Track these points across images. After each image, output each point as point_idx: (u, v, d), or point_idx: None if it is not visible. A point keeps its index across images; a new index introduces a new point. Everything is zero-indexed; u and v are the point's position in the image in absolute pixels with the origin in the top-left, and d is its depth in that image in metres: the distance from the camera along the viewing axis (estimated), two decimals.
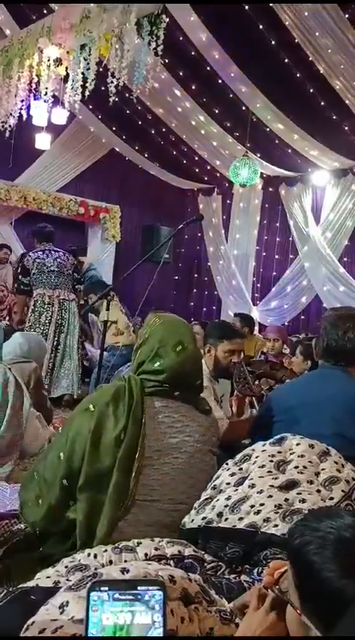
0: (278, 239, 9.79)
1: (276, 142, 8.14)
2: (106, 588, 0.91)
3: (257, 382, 4.05)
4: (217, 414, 2.88)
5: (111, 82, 5.33)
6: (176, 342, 2.03)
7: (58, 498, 1.94)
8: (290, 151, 8.30)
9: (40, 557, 1.92)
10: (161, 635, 0.90)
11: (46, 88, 5.74)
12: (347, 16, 5.69)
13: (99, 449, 1.88)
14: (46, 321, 5.66)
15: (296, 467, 1.72)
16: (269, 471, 1.73)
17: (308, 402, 2.23)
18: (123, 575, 1.25)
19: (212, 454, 2.07)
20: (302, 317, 9.41)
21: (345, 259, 8.90)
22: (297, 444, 1.82)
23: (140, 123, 8.73)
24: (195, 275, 11.17)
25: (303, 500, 1.61)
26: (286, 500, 1.62)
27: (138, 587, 0.91)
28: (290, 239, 9.57)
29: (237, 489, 1.73)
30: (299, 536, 0.98)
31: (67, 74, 5.70)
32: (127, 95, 6.11)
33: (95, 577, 1.26)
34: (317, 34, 6.00)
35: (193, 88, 7.69)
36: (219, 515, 1.68)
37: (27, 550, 2.01)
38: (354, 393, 2.19)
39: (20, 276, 5.94)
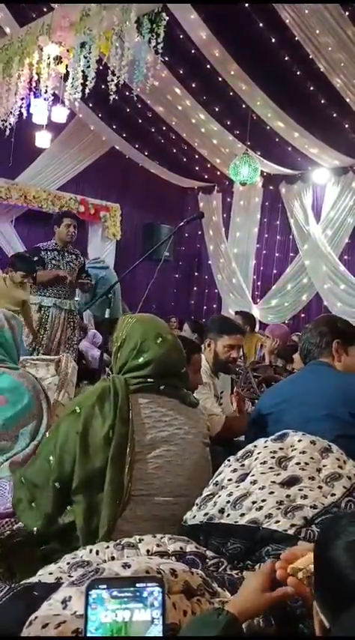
0: (278, 237, 9.80)
1: (276, 139, 8.14)
2: (105, 586, 0.91)
3: (263, 386, 4.07)
4: (215, 410, 2.90)
5: (112, 80, 5.34)
6: (155, 334, 2.06)
7: (53, 502, 1.92)
8: (290, 148, 8.30)
9: (42, 554, 1.93)
10: (160, 631, 0.90)
11: (46, 86, 5.75)
12: (347, 13, 5.70)
13: (89, 450, 1.88)
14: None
15: (297, 463, 1.73)
16: (270, 467, 1.73)
17: (297, 392, 2.29)
18: (125, 570, 1.25)
19: (204, 445, 2.07)
20: (303, 315, 9.42)
21: (346, 257, 8.91)
22: (299, 441, 1.82)
23: (140, 121, 8.73)
24: (196, 273, 11.18)
25: (305, 497, 1.61)
26: (288, 496, 1.62)
27: (137, 584, 0.91)
28: (291, 237, 9.58)
29: (238, 485, 1.73)
30: (327, 537, 0.98)
31: (67, 72, 5.71)
32: (127, 93, 6.11)
33: (97, 572, 1.27)
34: (317, 32, 6.01)
35: (193, 86, 7.69)
36: (221, 511, 1.68)
37: (29, 547, 2.01)
38: (342, 382, 2.24)
39: None
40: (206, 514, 1.71)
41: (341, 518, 0.98)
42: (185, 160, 9.75)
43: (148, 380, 2.00)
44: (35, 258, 5.38)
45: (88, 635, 0.90)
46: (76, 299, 5.96)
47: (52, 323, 5.40)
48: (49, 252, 5.45)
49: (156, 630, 0.89)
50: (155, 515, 1.86)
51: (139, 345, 2.04)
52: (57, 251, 5.50)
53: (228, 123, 8.26)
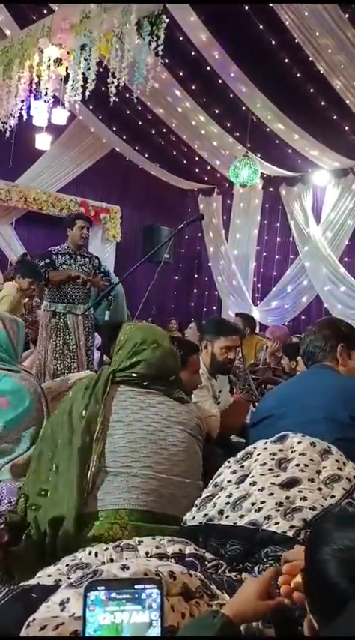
0: (278, 239, 9.80)
1: (276, 142, 8.15)
2: (103, 588, 0.90)
3: (263, 387, 4.06)
4: (213, 411, 2.90)
5: (112, 82, 5.34)
6: (152, 340, 2.18)
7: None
8: (290, 150, 8.31)
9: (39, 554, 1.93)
10: (158, 633, 0.89)
11: (47, 89, 5.75)
12: (347, 15, 5.70)
13: (68, 425, 2.04)
14: None
15: (297, 465, 1.72)
16: (270, 469, 1.73)
17: (297, 394, 2.28)
18: (124, 571, 1.25)
19: (188, 434, 2.08)
20: (303, 317, 9.42)
21: (346, 259, 8.91)
22: (298, 442, 1.82)
23: (140, 123, 8.74)
24: (196, 275, 11.18)
25: (304, 498, 1.61)
26: (287, 498, 1.62)
27: (136, 586, 0.91)
28: (291, 239, 9.58)
29: (238, 487, 1.73)
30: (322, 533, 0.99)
31: (67, 74, 5.71)
32: (127, 95, 6.12)
33: (96, 574, 1.26)
34: (317, 34, 6.01)
35: (193, 88, 7.70)
36: (220, 512, 1.68)
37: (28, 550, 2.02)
38: (344, 383, 2.24)
39: None
40: (205, 515, 1.71)
41: (329, 523, 0.99)
42: (185, 161, 9.76)
43: (133, 375, 2.12)
44: (47, 261, 5.20)
45: (87, 636, 0.90)
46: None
47: (67, 329, 5.17)
48: (60, 256, 5.25)
49: (155, 632, 0.89)
50: (134, 487, 1.90)
51: (135, 348, 2.17)
52: (69, 254, 5.27)
53: (228, 125, 8.27)
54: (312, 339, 2.41)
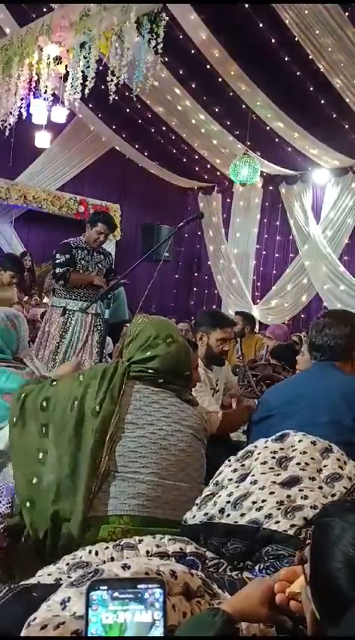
0: (278, 237, 9.80)
1: (276, 140, 8.14)
2: (106, 587, 0.90)
3: (261, 384, 4.06)
4: (212, 408, 2.89)
5: (111, 80, 5.34)
6: (165, 334, 2.14)
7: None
8: (290, 149, 8.30)
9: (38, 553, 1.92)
10: (161, 633, 0.89)
11: (46, 87, 5.75)
12: (347, 14, 5.69)
13: (77, 414, 2.00)
14: None
15: (298, 463, 1.72)
16: (271, 468, 1.73)
17: (303, 393, 2.25)
18: (125, 571, 1.24)
19: (196, 438, 2.08)
20: (303, 315, 9.41)
21: (345, 258, 8.91)
22: (299, 441, 1.81)
23: (140, 121, 8.73)
24: (195, 273, 11.18)
25: (305, 497, 1.60)
26: (288, 496, 1.62)
27: (138, 586, 0.90)
28: (291, 237, 9.58)
29: (238, 485, 1.72)
30: (328, 519, 0.98)
31: (67, 72, 5.71)
32: (127, 93, 6.11)
33: (96, 573, 1.26)
34: (317, 32, 6.00)
35: (193, 86, 7.69)
36: (221, 511, 1.68)
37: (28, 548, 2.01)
38: (349, 385, 2.21)
39: None
40: (206, 514, 1.71)
41: (336, 526, 0.98)
42: (185, 160, 9.75)
43: (149, 371, 2.08)
44: (67, 256, 4.93)
45: (89, 636, 0.89)
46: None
47: (76, 327, 5.01)
48: (79, 251, 5.01)
49: (158, 632, 0.89)
50: (140, 493, 1.89)
51: (149, 341, 2.13)
52: (87, 250, 5.04)
53: (228, 123, 8.26)
54: (335, 332, 2.29)
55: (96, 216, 5.25)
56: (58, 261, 4.97)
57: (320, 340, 2.31)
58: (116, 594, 0.89)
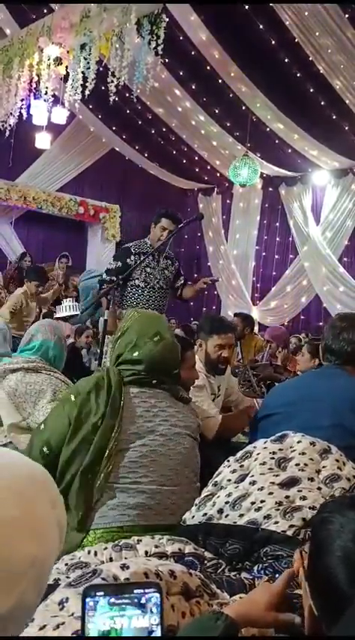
0: (278, 239, 9.80)
1: (276, 141, 8.15)
2: (102, 593, 0.89)
3: (261, 385, 4.06)
4: (211, 412, 2.88)
5: (112, 81, 5.33)
6: (153, 332, 2.12)
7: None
8: (290, 150, 8.31)
9: None
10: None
11: (46, 88, 5.74)
12: (346, 15, 5.70)
13: (78, 434, 1.95)
14: None
15: (297, 464, 1.72)
16: (270, 468, 1.73)
17: (307, 396, 2.24)
18: (123, 571, 1.24)
19: (191, 438, 2.08)
20: (302, 317, 9.42)
21: (345, 259, 8.91)
22: (298, 442, 1.82)
23: (140, 122, 8.73)
24: (195, 275, 11.16)
25: (304, 498, 1.60)
26: (287, 497, 1.62)
27: (135, 590, 0.90)
28: (290, 239, 9.59)
29: (237, 486, 1.72)
30: (327, 515, 0.98)
31: (67, 73, 5.70)
32: (127, 95, 6.11)
33: (95, 574, 1.26)
34: (317, 33, 6.01)
35: (193, 87, 7.69)
36: (220, 511, 1.68)
37: None
38: (351, 387, 2.21)
39: None
40: (205, 514, 1.71)
41: (335, 521, 0.98)
42: (185, 161, 9.75)
43: (142, 373, 2.07)
44: (119, 264, 4.36)
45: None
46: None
47: None
48: (140, 256, 4.36)
49: (155, 636, 0.88)
50: (141, 503, 1.88)
51: (135, 340, 2.11)
52: (152, 256, 4.38)
53: (228, 124, 8.26)
54: (352, 338, 2.27)
55: (159, 211, 4.72)
56: (108, 267, 4.49)
57: (336, 345, 2.30)
58: (113, 599, 0.88)
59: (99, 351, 3.97)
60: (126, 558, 1.46)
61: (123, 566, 1.26)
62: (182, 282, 4.63)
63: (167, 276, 4.46)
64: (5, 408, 2.63)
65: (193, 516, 1.75)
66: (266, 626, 1.13)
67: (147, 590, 0.89)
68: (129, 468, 1.92)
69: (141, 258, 4.28)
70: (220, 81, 7.24)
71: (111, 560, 1.49)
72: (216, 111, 8.04)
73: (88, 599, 0.88)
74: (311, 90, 6.81)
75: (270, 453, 1.79)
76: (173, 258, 4.68)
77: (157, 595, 0.89)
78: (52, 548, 0.78)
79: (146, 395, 2.05)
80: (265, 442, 1.86)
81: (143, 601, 0.88)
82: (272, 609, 1.11)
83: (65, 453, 1.94)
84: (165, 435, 2.00)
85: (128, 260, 4.35)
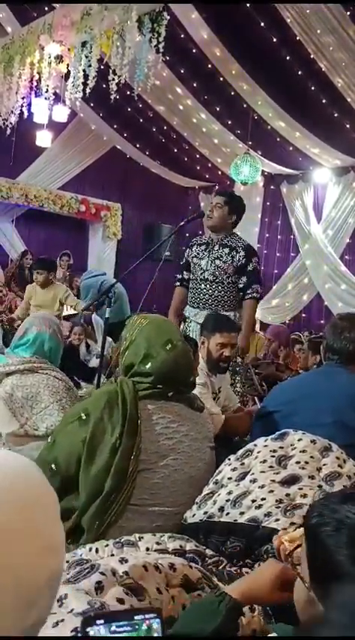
0: (279, 237, 9.79)
1: (278, 139, 8.13)
2: (102, 621, 0.89)
3: (263, 384, 4.07)
4: (214, 409, 2.89)
5: (113, 79, 5.33)
6: (165, 340, 2.00)
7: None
8: (291, 148, 8.29)
9: None
10: None
11: (47, 86, 5.74)
12: (348, 13, 5.68)
13: (95, 459, 1.84)
14: None
15: (297, 462, 1.72)
16: (270, 466, 1.73)
17: (308, 394, 2.25)
18: (122, 564, 1.24)
19: (210, 450, 2.06)
20: (304, 315, 9.40)
21: (347, 257, 8.89)
22: (299, 440, 1.82)
23: (141, 120, 8.72)
24: None
25: (305, 496, 1.61)
26: (287, 495, 1.62)
27: (135, 617, 0.90)
28: (292, 237, 9.57)
29: (238, 484, 1.73)
30: (317, 515, 0.98)
31: (68, 71, 5.70)
32: (128, 93, 6.10)
33: (93, 568, 1.26)
34: (318, 31, 5.99)
35: (194, 85, 7.68)
36: (221, 509, 1.68)
37: None
38: (353, 382, 2.21)
39: None
40: (206, 512, 1.71)
41: (335, 499, 0.98)
42: (186, 159, 9.74)
43: (157, 386, 1.96)
44: (183, 261, 4.39)
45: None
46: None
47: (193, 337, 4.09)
48: (194, 248, 4.20)
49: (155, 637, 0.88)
50: (158, 526, 1.81)
51: (146, 349, 1.99)
52: (206, 245, 4.16)
53: (229, 122, 8.25)
54: (353, 337, 2.28)
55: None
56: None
57: (338, 344, 2.31)
58: (113, 628, 0.88)
59: (99, 350, 3.98)
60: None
61: (122, 560, 1.26)
62: (243, 284, 4.01)
63: (218, 266, 4.03)
64: (1, 418, 2.54)
65: (194, 515, 1.75)
66: (272, 601, 1.11)
67: (147, 616, 0.89)
68: (151, 489, 1.84)
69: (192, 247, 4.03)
70: (221, 79, 7.23)
71: (112, 557, 1.49)
72: (217, 109, 8.03)
73: (88, 629, 0.88)
74: (313, 88, 6.80)
75: (271, 451, 1.79)
76: (237, 247, 4.12)
77: (158, 620, 0.88)
78: (63, 558, 0.78)
79: (163, 410, 1.94)
80: (266, 440, 1.86)
81: (144, 627, 0.88)
82: (278, 584, 1.09)
83: (84, 479, 1.83)
84: (186, 452, 1.92)
85: (186, 253, 4.28)
